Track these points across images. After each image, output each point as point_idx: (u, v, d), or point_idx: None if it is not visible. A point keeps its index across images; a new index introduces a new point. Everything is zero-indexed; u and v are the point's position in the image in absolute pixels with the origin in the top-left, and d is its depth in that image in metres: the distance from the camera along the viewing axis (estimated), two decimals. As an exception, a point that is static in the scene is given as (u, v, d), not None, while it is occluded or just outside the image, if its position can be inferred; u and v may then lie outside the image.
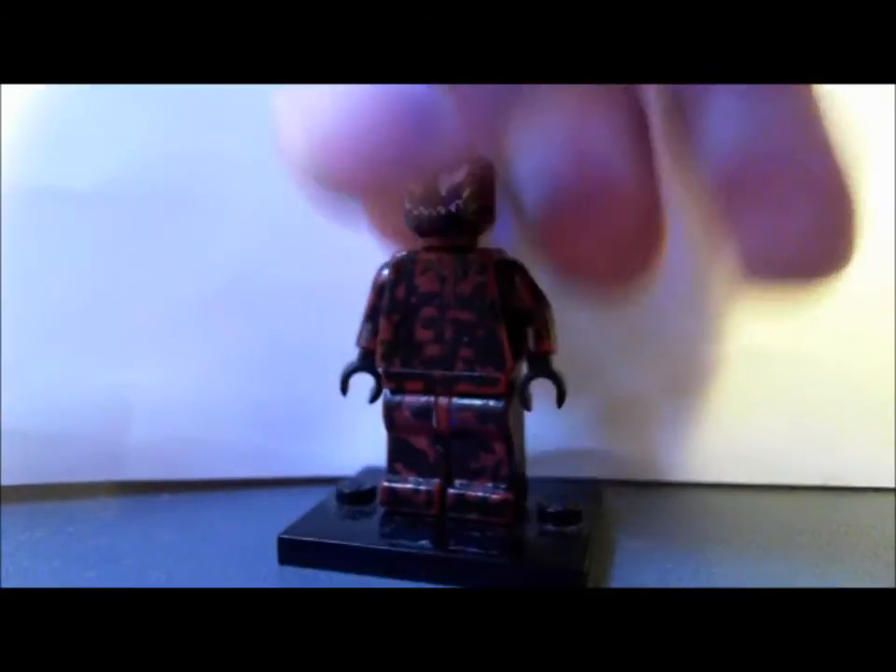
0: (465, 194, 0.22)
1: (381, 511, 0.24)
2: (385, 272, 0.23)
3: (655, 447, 0.29)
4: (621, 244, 0.19)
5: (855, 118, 0.26)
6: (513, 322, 0.22)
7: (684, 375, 0.29)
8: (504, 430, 0.23)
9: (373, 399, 0.24)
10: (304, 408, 0.29)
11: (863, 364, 0.27)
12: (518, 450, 0.24)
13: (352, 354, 0.25)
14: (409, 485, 0.23)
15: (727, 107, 0.17)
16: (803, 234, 0.17)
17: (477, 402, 0.23)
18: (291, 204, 0.28)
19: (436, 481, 0.23)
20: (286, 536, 0.22)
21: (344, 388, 0.25)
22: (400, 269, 0.23)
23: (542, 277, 0.23)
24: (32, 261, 0.28)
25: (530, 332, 0.23)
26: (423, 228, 0.22)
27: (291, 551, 0.22)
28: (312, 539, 0.22)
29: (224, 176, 0.28)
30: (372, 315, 0.24)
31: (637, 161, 0.19)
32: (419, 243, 0.23)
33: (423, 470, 0.23)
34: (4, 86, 0.27)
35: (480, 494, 0.23)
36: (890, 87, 0.26)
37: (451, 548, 0.21)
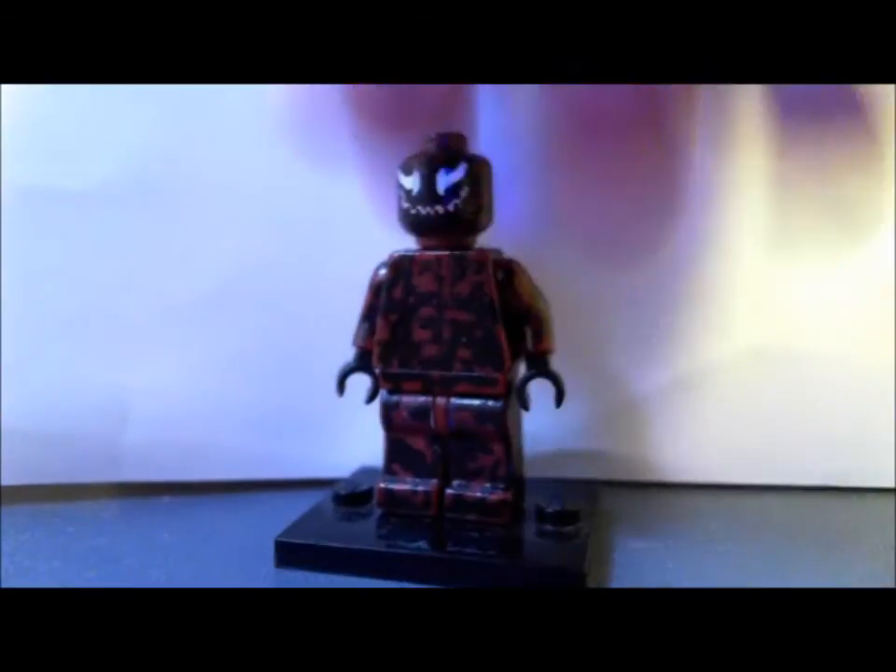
0: (463, 193, 0.22)
1: (378, 512, 0.24)
2: (383, 271, 0.23)
3: (654, 447, 0.29)
4: None
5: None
6: (511, 322, 0.22)
7: (684, 375, 0.28)
8: (502, 430, 0.23)
9: (370, 399, 0.24)
10: (301, 409, 0.29)
11: (864, 364, 0.27)
12: (516, 450, 0.24)
13: (349, 354, 0.25)
14: (406, 486, 0.23)
15: None
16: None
17: (475, 402, 0.23)
18: (290, 205, 0.29)
19: (434, 481, 0.23)
20: (282, 539, 0.22)
21: (341, 389, 0.25)
22: (398, 268, 0.23)
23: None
24: (31, 262, 0.28)
25: (528, 332, 0.23)
26: (421, 227, 0.22)
27: (288, 554, 0.22)
28: (308, 541, 0.22)
29: (223, 177, 0.28)
30: (369, 315, 0.24)
31: None
32: (417, 242, 0.23)
33: (420, 471, 0.23)
34: (4, 86, 0.27)
35: (478, 494, 0.23)
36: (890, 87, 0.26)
37: (449, 549, 0.21)
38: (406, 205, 0.22)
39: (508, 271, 0.22)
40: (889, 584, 0.20)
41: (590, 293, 0.28)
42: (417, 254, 0.23)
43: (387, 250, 0.23)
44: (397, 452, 0.24)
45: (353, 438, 0.28)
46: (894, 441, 0.27)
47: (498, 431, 0.23)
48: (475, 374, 0.22)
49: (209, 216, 0.28)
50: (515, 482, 0.23)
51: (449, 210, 0.22)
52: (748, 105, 0.27)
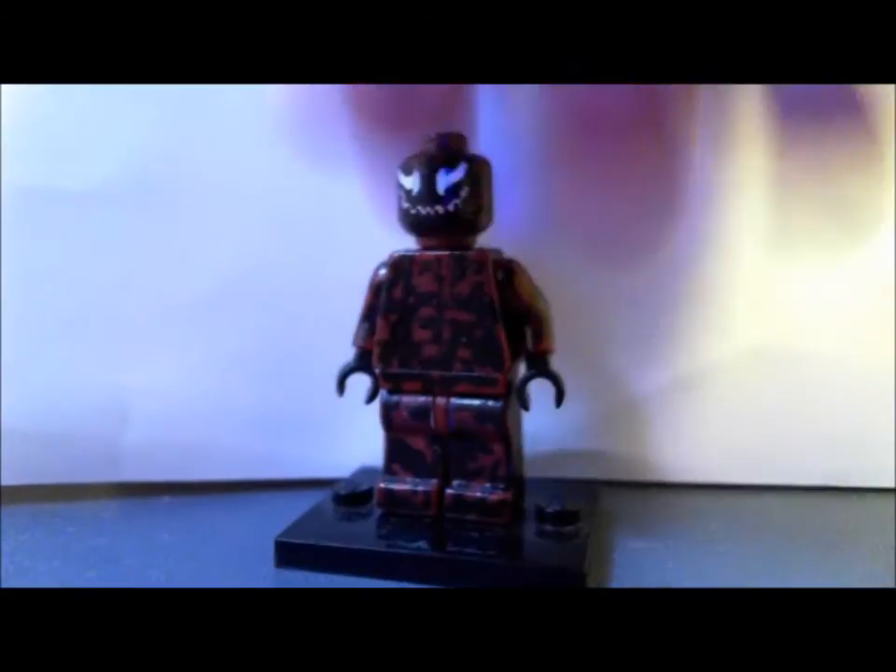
0: (463, 193, 0.22)
1: (378, 512, 0.24)
2: (383, 271, 0.23)
3: (654, 447, 0.29)
4: None
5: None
6: (511, 322, 0.22)
7: (684, 375, 0.28)
8: (502, 430, 0.23)
9: (370, 399, 0.24)
10: (301, 409, 0.29)
11: (864, 364, 0.27)
12: (516, 450, 0.24)
13: (349, 354, 0.25)
14: (406, 486, 0.23)
15: None
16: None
17: (475, 402, 0.23)
18: (290, 205, 0.29)
19: (434, 481, 0.23)
20: (282, 539, 0.22)
21: (341, 389, 0.25)
22: (398, 268, 0.23)
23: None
24: (31, 262, 0.28)
25: (528, 332, 0.23)
26: (421, 227, 0.22)
27: (288, 554, 0.22)
28: (308, 541, 0.22)
29: (223, 177, 0.28)
30: (369, 315, 0.24)
31: None
32: (417, 242, 0.23)
33: (420, 471, 0.23)
34: (3, 86, 0.27)
35: (478, 494, 0.23)
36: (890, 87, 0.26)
37: (449, 549, 0.21)
38: (406, 205, 0.22)
39: (508, 271, 0.22)
40: (889, 584, 0.20)
41: (590, 293, 0.28)
42: (417, 254, 0.23)
43: (387, 250, 0.23)
44: (397, 452, 0.24)
45: (353, 438, 0.28)
46: (894, 441, 0.27)
47: (498, 431, 0.23)
48: (475, 374, 0.22)
49: (209, 216, 0.28)
50: (515, 482, 0.23)
51: (449, 210, 0.22)
52: (747, 105, 0.27)
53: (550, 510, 0.22)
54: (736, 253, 0.28)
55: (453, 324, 0.22)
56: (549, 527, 0.22)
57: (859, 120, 0.26)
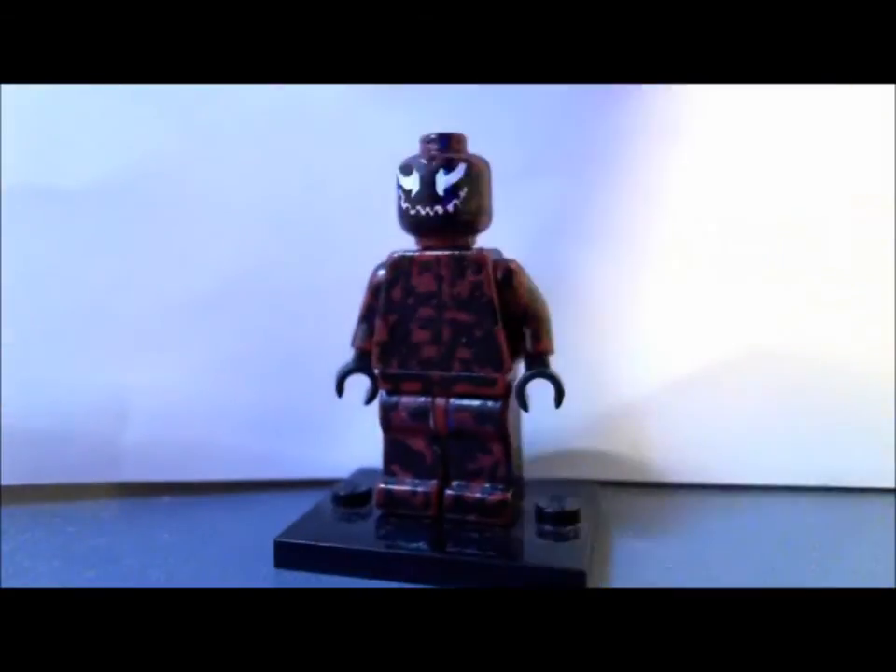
0: (462, 194, 0.22)
1: (377, 513, 0.24)
2: (381, 272, 0.23)
3: (654, 447, 0.29)
4: None
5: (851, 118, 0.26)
6: (511, 322, 0.22)
7: (684, 375, 0.28)
8: (502, 431, 0.22)
9: (369, 400, 0.24)
10: (301, 409, 0.29)
11: (864, 364, 0.27)
12: (515, 450, 0.24)
13: (348, 355, 0.25)
14: (406, 487, 0.23)
15: None
16: None
17: (475, 403, 0.23)
18: (289, 206, 0.29)
19: (433, 482, 0.23)
20: (282, 539, 0.22)
21: (340, 390, 0.25)
22: (397, 269, 0.23)
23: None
24: (32, 262, 0.28)
25: (527, 332, 0.23)
26: (420, 227, 0.22)
27: (288, 554, 0.22)
28: (308, 542, 0.22)
29: (223, 177, 0.28)
30: (368, 316, 0.24)
31: None
32: (416, 243, 0.23)
33: (420, 472, 0.23)
34: (3, 86, 0.27)
35: (477, 495, 0.23)
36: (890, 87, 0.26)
37: (449, 549, 0.21)
38: (406, 206, 0.22)
39: (507, 271, 0.22)
40: (889, 584, 0.20)
41: (590, 293, 0.28)
42: (416, 254, 0.23)
43: (387, 250, 0.23)
44: (396, 452, 0.24)
45: (352, 438, 0.28)
46: (894, 441, 0.27)
47: (498, 432, 0.22)
48: (474, 375, 0.22)
49: (209, 216, 0.28)
50: (515, 482, 0.23)
51: (448, 210, 0.22)
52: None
53: (550, 510, 0.22)
54: (736, 253, 0.28)
55: (452, 324, 0.22)
56: (549, 528, 0.22)
57: None
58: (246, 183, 0.28)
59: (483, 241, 0.24)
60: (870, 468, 0.28)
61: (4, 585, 0.21)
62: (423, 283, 0.22)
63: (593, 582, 0.20)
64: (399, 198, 0.22)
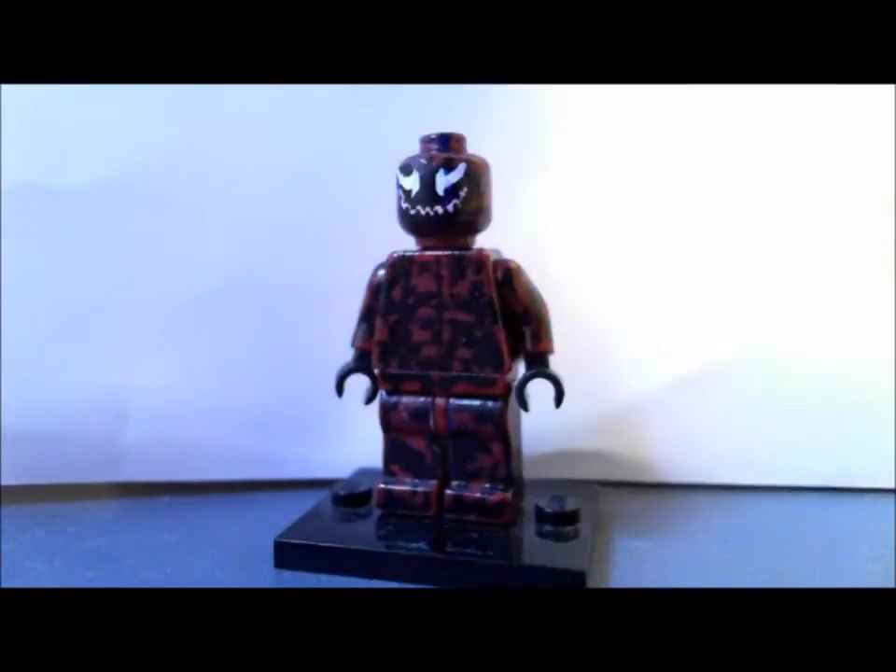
0: (462, 193, 0.22)
1: (377, 513, 0.24)
2: (381, 272, 0.23)
3: (654, 447, 0.29)
4: None
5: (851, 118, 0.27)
6: (510, 322, 0.22)
7: (684, 375, 0.28)
8: (502, 431, 0.22)
9: (369, 400, 0.24)
10: (301, 410, 0.29)
11: (864, 364, 0.27)
12: (515, 451, 0.24)
13: (348, 355, 0.25)
14: (406, 487, 0.23)
15: None
16: None
17: (475, 403, 0.23)
18: (289, 206, 0.29)
19: (433, 482, 0.23)
20: (282, 539, 0.22)
21: (340, 390, 0.25)
22: (397, 269, 0.23)
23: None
24: (31, 262, 0.28)
25: (527, 332, 0.23)
26: (420, 227, 0.22)
27: (288, 554, 0.22)
28: (308, 542, 0.22)
29: (223, 177, 0.28)
30: (368, 316, 0.24)
31: None
32: (416, 242, 0.23)
33: (420, 472, 0.23)
34: (3, 86, 0.27)
35: (477, 495, 0.23)
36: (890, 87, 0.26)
37: (449, 549, 0.21)
38: (406, 206, 0.22)
39: (507, 271, 0.22)
40: (889, 584, 0.20)
41: (590, 293, 0.28)
42: (416, 254, 0.23)
43: (387, 250, 0.23)
44: (396, 452, 0.24)
45: (352, 439, 0.28)
46: (894, 441, 0.27)
47: (498, 432, 0.22)
48: (474, 375, 0.22)
49: (209, 216, 0.28)
50: (514, 482, 0.23)
51: (448, 210, 0.22)
52: None
53: (550, 510, 0.22)
54: (736, 253, 0.28)
55: (452, 324, 0.22)
56: (548, 528, 0.22)
57: None
58: (246, 183, 0.28)
59: (482, 241, 0.24)
60: (870, 468, 0.28)
61: (4, 585, 0.21)
62: (423, 283, 0.22)
63: (593, 582, 0.20)
64: (399, 198, 0.22)
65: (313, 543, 0.22)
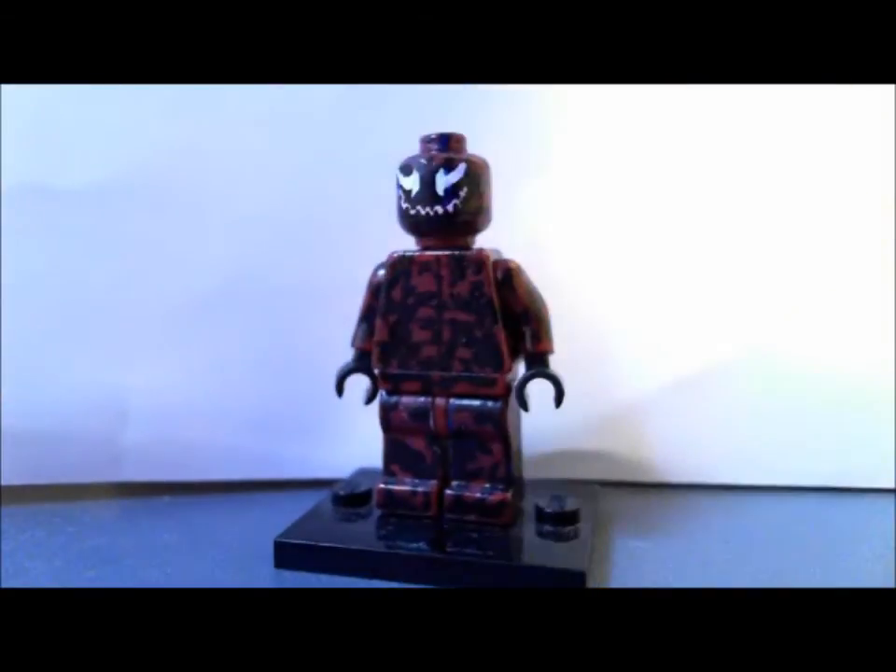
0: (462, 194, 0.22)
1: (377, 513, 0.24)
2: (381, 272, 0.23)
3: (654, 447, 0.29)
4: None
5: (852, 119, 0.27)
6: (510, 322, 0.22)
7: (684, 375, 0.28)
8: (502, 431, 0.22)
9: (369, 400, 0.24)
10: (301, 410, 0.29)
11: (863, 364, 0.27)
12: (515, 451, 0.24)
13: (348, 355, 0.25)
14: (406, 487, 0.23)
15: None
16: None
17: (475, 403, 0.23)
18: (289, 206, 0.29)
19: (433, 482, 0.23)
20: (282, 539, 0.22)
21: (340, 390, 0.25)
22: (397, 269, 0.23)
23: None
24: (31, 262, 0.28)
25: (527, 332, 0.23)
26: (420, 227, 0.22)
27: (288, 554, 0.22)
28: (308, 542, 0.22)
29: (223, 177, 0.28)
30: (368, 316, 0.24)
31: None
32: (416, 243, 0.23)
33: (420, 472, 0.23)
34: (4, 86, 0.27)
35: (477, 495, 0.23)
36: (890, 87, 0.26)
37: (449, 550, 0.21)
38: (406, 206, 0.22)
39: (507, 271, 0.22)
40: (889, 584, 0.20)
41: (590, 293, 0.28)
42: (416, 254, 0.23)
43: (387, 250, 0.23)
44: (396, 452, 0.24)
45: (352, 439, 0.28)
46: (894, 441, 0.27)
47: (498, 432, 0.22)
48: (474, 375, 0.22)
49: (209, 216, 0.28)
50: (514, 482, 0.23)
51: (448, 210, 0.22)
52: None
53: (550, 510, 0.22)
54: (736, 253, 0.28)
55: (452, 324, 0.22)
56: (548, 528, 0.22)
57: None
58: (246, 183, 0.28)
59: (482, 241, 0.24)
60: (870, 468, 0.28)
61: (4, 585, 0.21)
62: (423, 283, 0.22)
63: (593, 582, 0.20)
64: (399, 198, 0.22)
65: (313, 543, 0.22)
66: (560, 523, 0.22)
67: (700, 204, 0.28)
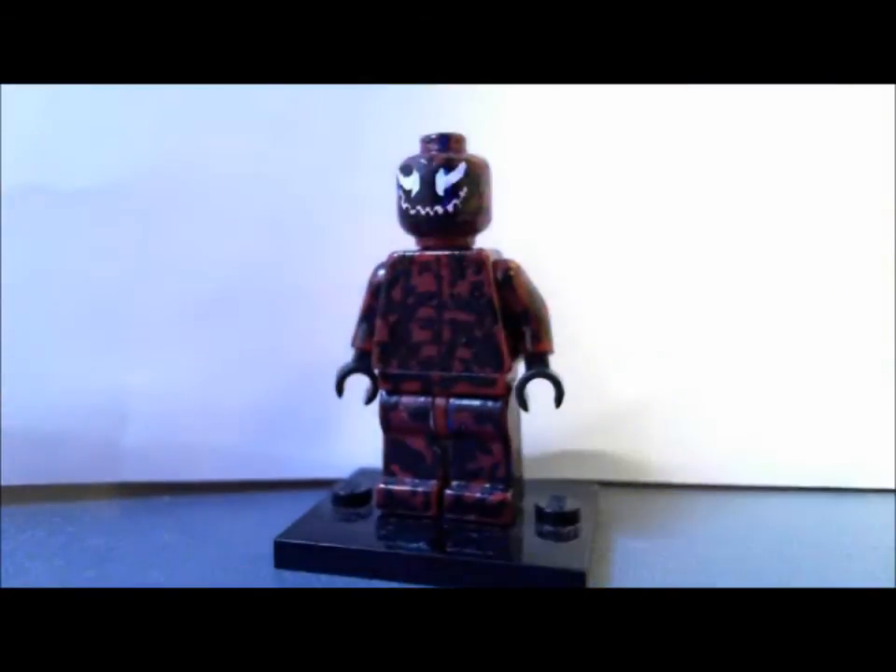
0: (462, 194, 0.22)
1: (377, 513, 0.24)
2: (381, 272, 0.23)
3: (654, 447, 0.29)
4: None
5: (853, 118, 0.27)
6: (510, 322, 0.22)
7: (683, 375, 0.28)
8: (502, 431, 0.22)
9: (369, 400, 0.24)
10: (301, 410, 0.29)
11: (863, 365, 0.27)
12: (515, 451, 0.24)
13: (348, 355, 0.25)
14: (406, 487, 0.23)
15: None
16: None
17: (475, 403, 0.23)
18: (289, 207, 0.29)
19: (433, 482, 0.23)
20: (282, 539, 0.22)
21: (340, 390, 0.25)
22: (397, 269, 0.23)
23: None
24: (32, 262, 0.28)
25: (527, 332, 0.23)
26: (420, 227, 0.22)
27: (288, 554, 0.22)
28: (308, 542, 0.22)
29: (224, 177, 0.28)
30: (368, 316, 0.24)
31: None
32: (416, 243, 0.23)
33: (420, 472, 0.23)
34: (4, 86, 0.27)
35: (477, 495, 0.23)
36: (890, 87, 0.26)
37: (449, 549, 0.21)
38: (406, 206, 0.22)
39: (507, 271, 0.22)
40: (889, 584, 0.20)
41: (590, 293, 0.28)
42: (416, 254, 0.23)
43: (387, 250, 0.23)
44: (396, 452, 0.24)
45: (352, 439, 0.28)
46: (894, 441, 0.27)
47: (498, 432, 0.22)
48: (474, 375, 0.22)
49: (209, 217, 0.28)
50: (514, 482, 0.23)
51: (448, 210, 0.22)
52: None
53: (549, 510, 0.22)
54: (736, 253, 0.28)
55: (452, 324, 0.22)
56: (548, 528, 0.22)
57: None
58: (246, 183, 0.28)
59: (482, 241, 0.24)
60: (870, 468, 0.28)
61: (4, 585, 0.21)
62: (423, 283, 0.22)
63: (593, 582, 0.20)
64: (399, 198, 0.22)
65: (313, 543, 0.22)
66: (560, 523, 0.22)
67: (700, 204, 0.28)
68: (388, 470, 0.24)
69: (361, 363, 0.24)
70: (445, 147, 0.22)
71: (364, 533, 0.22)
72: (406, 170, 0.22)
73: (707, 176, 0.28)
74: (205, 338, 0.29)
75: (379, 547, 0.21)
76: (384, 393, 0.24)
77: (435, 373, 0.23)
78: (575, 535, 0.22)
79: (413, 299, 0.22)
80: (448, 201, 0.22)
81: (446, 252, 0.22)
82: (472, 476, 0.23)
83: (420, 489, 0.23)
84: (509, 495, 0.22)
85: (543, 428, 0.26)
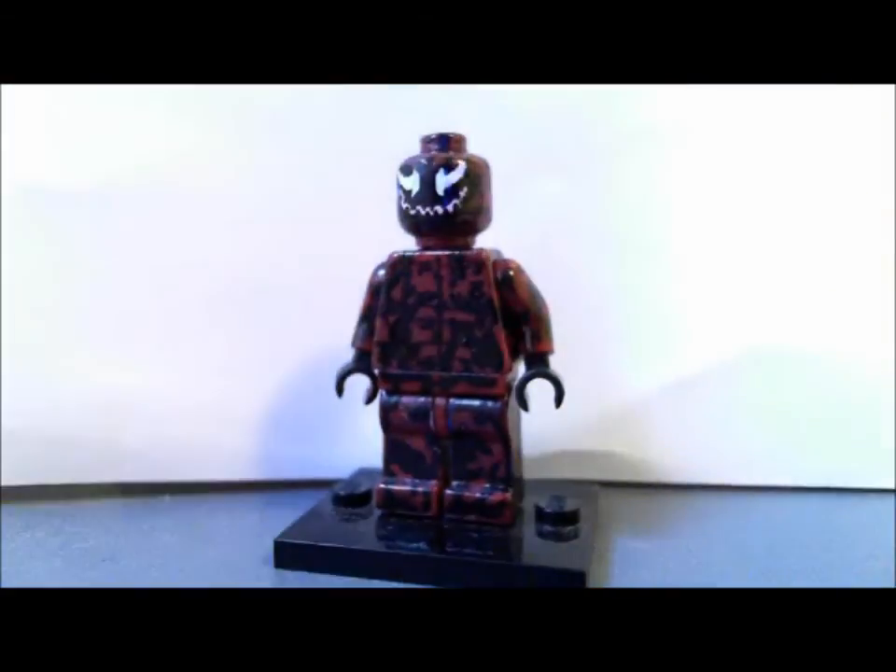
0: (462, 193, 0.22)
1: (377, 513, 0.24)
2: (381, 272, 0.23)
3: (654, 447, 0.29)
4: None
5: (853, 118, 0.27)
6: (510, 322, 0.22)
7: (684, 375, 0.28)
8: (502, 431, 0.22)
9: (369, 400, 0.24)
10: (301, 410, 0.29)
11: (864, 364, 0.27)
12: (515, 451, 0.24)
13: (348, 355, 0.25)
14: (406, 487, 0.23)
15: None
16: None
17: (475, 403, 0.23)
18: (289, 206, 0.29)
19: (433, 482, 0.23)
20: (282, 539, 0.22)
21: (340, 390, 0.25)
22: (397, 269, 0.23)
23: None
24: (32, 262, 0.28)
25: (527, 332, 0.23)
26: (420, 227, 0.22)
27: (288, 554, 0.22)
28: (308, 542, 0.22)
29: (224, 177, 0.28)
30: (368, 316, 0.24)
31: None
32: (416, 243, 0.23)
33: (420, 472, 0.23)
34: (3, 86, 0.27)
35: (477, 495, 0.23)
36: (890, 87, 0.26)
37: (449, 549, 0.21)
38: (406, 206, 0.22)
39: (507, 271, 0.22)
40: (889, 584, 0.20)
41: (590, 293, 0.28)
42: (416, 254, 0.23)
43: (387, 250, 0.23)
44: (396, 453, 0.24)
45: (352, 439, 0.28)
46: (894, 441, 0.27)
47: (498, 432, 0.22)
48: (474, 375, 0.22)
49: (210, 217, 0.28)
50: (515, 482, 0.23)
51: (448, 210, 0.22)
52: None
53: (549, 510, 0.22)
54: (736, 253, 0.28)
55: (452, 324, 0.22)
56: (549, 528, 0.22)
57: None
58: (246, 183, 0.28)
59: (482, 241, 0.24)
60: (870, 468, 0.28)
61: (4, 585, 0.21)
62: (423, 283, 0.22)
63: (593, 582, 0.20)
64: (400, 198, 0.22)
65: (313, 543, 0.22)
66: (560, 523, 0.22)
67: (699, 204, 0.28)
68: (388, 470, 0.24)
69: (361, 363, 0.24)
70: (445, 147, 0.22)
71: (364, 533, 0.22)
72: (406, 170, 0.22)
73: (706, 176, 0.28)
74: (206, 338, 0.29)
75: (379, 547, 0.21)
76: (384, 393, 0.24)
77: (435, 373, 0.23)
78: (575, 535, 0.22)
79: (414, 299, 0.22)
80: (448, 201, 0.22)
81: (446, 252, 0.22)
82: (472, 476, 0.23)
83: (420, 489, 0.23)
84: (509, 495, 0.22)
85: (543, 428, 0.26)
